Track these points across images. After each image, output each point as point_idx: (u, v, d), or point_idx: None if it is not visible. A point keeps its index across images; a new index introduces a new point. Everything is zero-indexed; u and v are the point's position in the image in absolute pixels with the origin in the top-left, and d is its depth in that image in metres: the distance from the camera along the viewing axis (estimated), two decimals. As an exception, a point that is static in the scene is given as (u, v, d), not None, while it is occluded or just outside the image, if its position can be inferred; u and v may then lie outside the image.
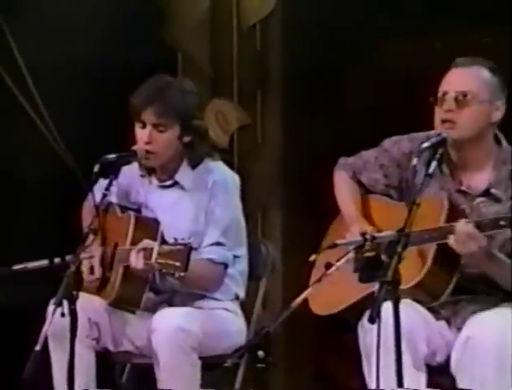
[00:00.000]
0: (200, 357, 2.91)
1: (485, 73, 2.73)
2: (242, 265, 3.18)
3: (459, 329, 2.66)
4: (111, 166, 2.95)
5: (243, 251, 3.17)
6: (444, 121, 2.70)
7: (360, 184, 2.98)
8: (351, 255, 2.63)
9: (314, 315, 2.86)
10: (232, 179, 3.18)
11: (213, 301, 3.10)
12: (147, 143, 3.04)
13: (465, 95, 2.68)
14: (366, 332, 2.57)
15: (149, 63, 3.35)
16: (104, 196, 2.96)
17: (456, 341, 2.62)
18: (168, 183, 3.16)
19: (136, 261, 2.85)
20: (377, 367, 2.36)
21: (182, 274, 2.75)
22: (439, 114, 2.71)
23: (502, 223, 2.55)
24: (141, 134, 3.05)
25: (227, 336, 3.02)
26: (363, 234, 2.73)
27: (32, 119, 4.14)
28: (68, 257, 2.80)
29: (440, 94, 2.72)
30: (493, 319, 2.59)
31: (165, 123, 3.04)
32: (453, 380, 2.61)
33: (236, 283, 3.16)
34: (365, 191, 2.98)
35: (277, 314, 2.73)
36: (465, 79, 2.72)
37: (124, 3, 3.99)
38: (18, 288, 3.08)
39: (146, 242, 2.87)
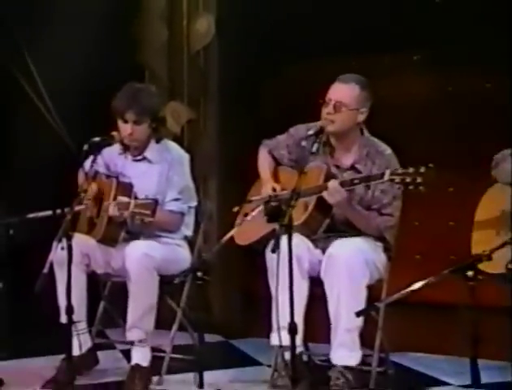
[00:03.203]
0: (158, 275, 2.91)
1: (356, 89, 2.76)
2: (191, 215, 3.18)
3: None
4: (96, 146, 2.92)
5: (194, 203, 3.18)
6: (326, 119, 2.74)
7: (274, 158, 3.02)
8: (261, 208, 2.68)
9: (238, 246, 2.89)
10: (185, 156, 3.18)
11: (169, 238, 3.09)
12: (130, 134, 3.02)
13: (340, 104, 2.73)
14: (271, 257, 2.60)
15: (125, 76, 3.30)
16: (91, 166, 2.94)
17: (323, 260, 2.69)
18: (139, 158, 3.14)
19: (113, 211, 2.84)
20: (277, 279, 2.43)
21: (151, 219, 2.76)
22: (323, 113, 2.76)
23: (356, 181, 2.63)
24: (124, 127, 3.02)
25: (177, 262, 3.02)
26: (273, 189, 2.84)
27: (44, 115, 4.09)
28: (66, 209, 2.76)
29: (326, 99, 2.76)
30: (346, 243, 2.68)
31: (141, 119, 3.01)
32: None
33: (186, 228, 3.16)
34: (277, 163, 3.02)
35: (212, 247, 2.75)
36: (342, 92, 2.76)
37: (109, 36, 3.95)
38: (32, 230, 3.02)
39: (120, 198, 2.85)
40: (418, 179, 2.37)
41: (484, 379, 2.15)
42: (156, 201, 2.77)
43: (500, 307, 2.92)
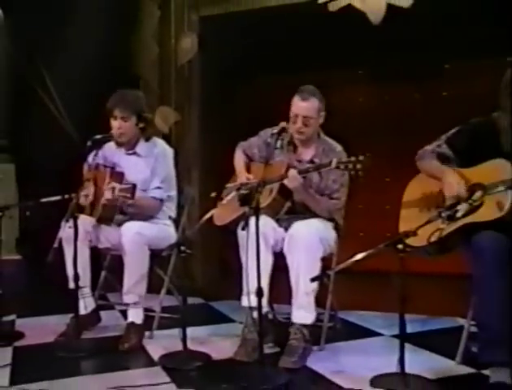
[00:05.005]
0: (149, 250, 2.88)
1: (316, 102, 2.74)
2: (174, 200, 3.13)
3: None
4: (97, 142, 2.88)
5: (174, 193, 3.11)
6: (297, 132, 2.75)
7: (247, 156, 3.00)
8: (233, 194, 2.65)
9: (216, 226, 2.87)
10: (169, 150, 3.11)
11: (157, 219, 3.04)
12: (119, 128, 2.96)
13: (307, 119, 2.73)
14: (242, 235, 2.60)
15: (123, 84, 3.23)
16: (93, 159, 2.91)
17: (285, 238, 2.67)
18: (131, 152, 3.07)
19: (107, 194, 2.80)
20: (246, 253, 2.41)
21: (131, 201, 2.74)
22: (294, 128, 2.76)
23: (310, 169, 2.64)
24: (114, 124, 2.96)
25: (165, 238, 2.96)
26: (247, 178, 2.80)
27: (55, 116, 4.04)
28: (73, 195, 2.73)
29: (293, 115, 2.75)
30: (305, 224, 2.65)
31: (126, 115, 2.95)
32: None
33: (170, 210, 3.10)
34: (249, 160, 2.99)
35: (194, 226, 2.73)
36: (307, 109, 2.73)
37: (110, 51, 3.90)
38: (44, 211, 2.97)
39: (112, 184, 2.80)
40: (358, 166, 2.39)
41: (409, 329, 2.20)
42: (134, 186, 2.73)
43: (422, 273, 2.99)
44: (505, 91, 2.26)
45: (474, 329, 2.31)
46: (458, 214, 2.17)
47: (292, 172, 2.62)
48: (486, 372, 2.20)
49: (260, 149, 2.93)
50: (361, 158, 2.39)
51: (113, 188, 2.74)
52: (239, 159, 2.98)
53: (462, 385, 2.30)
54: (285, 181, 2.62)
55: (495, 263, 2.04)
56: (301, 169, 2.65)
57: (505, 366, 2.10)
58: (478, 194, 2.24)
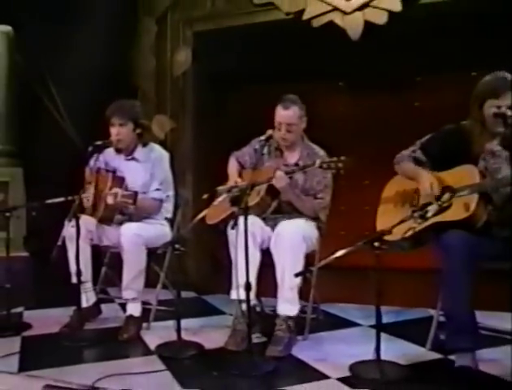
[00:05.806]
0: (146, 248, 2.88)
1: (297, 109, 2.75)
2: (170, 202, 3.13)
3: None
4: (98, 148, 2.89)
5: (171, 192, 3.12)
6: (282, 139, 2.77)
7: (240, 163, 3.01)
8: (224, 196, 2.65)
9: (208, 225, 2.87)
10: (165, 154, 3.11)
11: (153, 219, 3.05)
12: (117, 134, 2.97)
13: (290, 126, 2.75)
14: (231, 233, 2.59)
15: (122, 95, 3.22)
16: (95, 164, 2.90)
17: (272, 236, 2.68)
18: (130, 157, 3.07)
19: (109, 199, 2.79)
20: (236, 250, 2.46)
21: (132, 207, 2.74)
22: (278, 135, 2.78)
23: (295, 169, 2.67)
24: (113, 130, 2.97)
25: (161, 237, 2.96)
26: (236, 182, 2.81)
27: (58, 121, 4.02)
28: (75, 196, 2.74)
29: (277, 123, 2.77)
30: (290, 224, 2.66)
31: (123, 122, 2.95)
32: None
33: (166, 211, 3.11)
34: (242, 167, 3.00)
35: (188, 225, 2.73)
36: (289, 117, 2.75)
37: (111, 63, 3.88)
38: (49, 212, 2.95)
39: (115, 189, 2.81)
40: (340, 165, 2.42)
41: (385, 320, 2.23)
42: (136, 193, 2.73)
43: (396, 268, 3.03)
44: (476, 102, 2.31)
45: (442, 319, 2.34)
46: (429, 214, 2.20)
47: (279, 173, 2.64)
48: (452, 357, 2.25)
49: (251, 157, 2.94)
50: (342, 158, 2.43)
51: (115, 194, 2.74)
52: (232, 166, 2.99)
53: (430, 369, 2.34)
54: (273, 181, 2.64)
55: (460, 259, 2.09)
56: (288, 170, 2.67)
57: (469, 352, 2.16)
58: (446, 196, 2.28)
